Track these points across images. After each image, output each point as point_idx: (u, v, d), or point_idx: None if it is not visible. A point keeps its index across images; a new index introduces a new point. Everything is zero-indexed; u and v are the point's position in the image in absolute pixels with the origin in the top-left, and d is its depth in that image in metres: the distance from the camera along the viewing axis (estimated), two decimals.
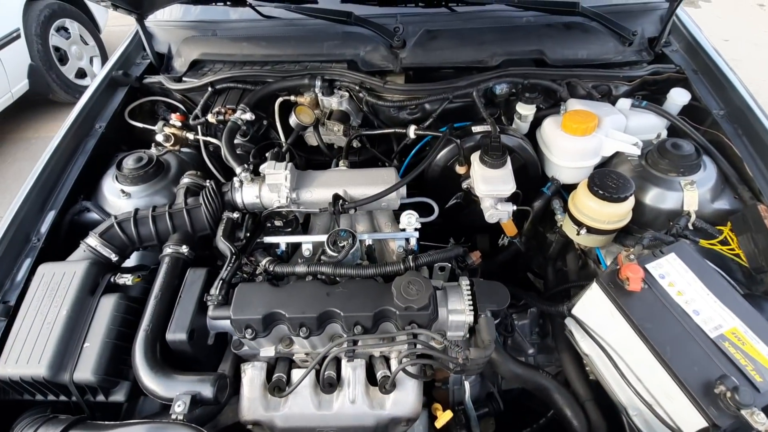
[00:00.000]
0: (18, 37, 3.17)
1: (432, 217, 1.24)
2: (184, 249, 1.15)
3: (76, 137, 1.40)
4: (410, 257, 1.08)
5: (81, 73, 3.70)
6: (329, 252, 1.10)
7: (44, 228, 1.22)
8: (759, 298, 1.02)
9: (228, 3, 1.62)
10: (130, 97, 1.57)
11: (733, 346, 0.88)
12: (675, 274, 0.99)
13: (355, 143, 1.50)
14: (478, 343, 1.02)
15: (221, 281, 1.07)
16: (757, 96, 3.81)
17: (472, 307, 1.03)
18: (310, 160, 1.54)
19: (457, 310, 1.04)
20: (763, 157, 1.16)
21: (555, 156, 1.31)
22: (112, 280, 1.11)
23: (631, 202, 1.11)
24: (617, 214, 1.11)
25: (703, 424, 0.82)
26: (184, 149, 1.49)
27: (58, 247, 1.22)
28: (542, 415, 1.24)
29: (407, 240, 1.22)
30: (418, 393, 1.08)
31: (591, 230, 1.16)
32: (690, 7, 5.03)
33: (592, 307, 1.07)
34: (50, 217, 1.24)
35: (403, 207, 1.24)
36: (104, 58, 3.88)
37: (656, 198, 1.19)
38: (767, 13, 4.81)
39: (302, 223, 1.42)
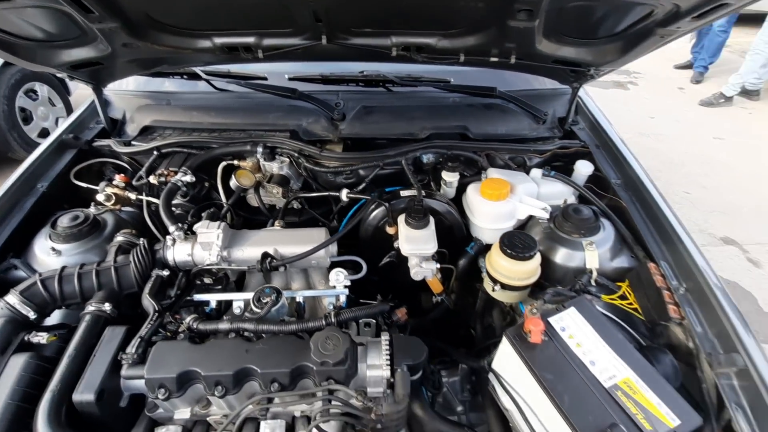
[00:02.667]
0: None
1: (360, 275, 1.29)
2: (107, 307, 1.15)
3: (14, 196, 1.42)
4: (332, 313, 1.12)
5: (44, 133, 3.76)
6: (254, 308, 1.12)
7: None
8: (656, 350, 1.09)
9: (184, 76, 1.77)
10: (78, 159, 1.62)
11: (625, 395, 0.94)
12: (574, 327, 1.06)
13: (296, 205, 1.59)
14: (394, 398, 1.03)
15: (139, 339, 1.06)
16: (680, 164, 4.24)
17: (389, 362, 1.05)
18: (251, 220, 1.61)
19: (375, 365, 1.06)
20: (653, 220, 1.31)
21: (476, 218, 1.43)
22: (26, 338, 1.09)
23: (536, 260, 1.21)
24: (525, 271, 1.21)
25: None
26: (127, 209, 1.53)
27: None
28: None
29: (337, 297, 1.27)
30: None
31: (504, 286, 1.24)
32: (620, 89, 5.72)
33: (506, 361, 1.11)
34: None
35: (337, 265, 1.30)
36: None
37: (563, 257, 1.31)
38: (686, 95, 5.50)
39: (237, 282, 1.45)
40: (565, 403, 0.93)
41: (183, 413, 1.08)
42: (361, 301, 1.33)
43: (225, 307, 1.29)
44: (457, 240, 1.48)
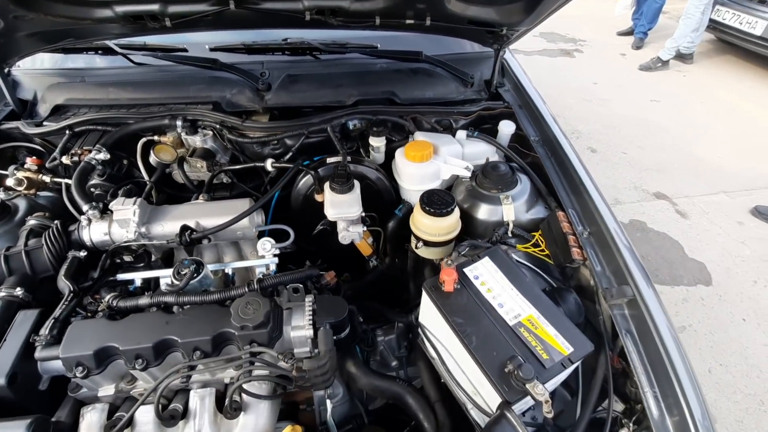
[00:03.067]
0: None
1: (288, 243, 1.31)
2: (18, 292, 1.11)
3: None
4: (255, 280, 1.13)
5: None
6: (174, 281, 1.12)
7: None
8: (563, 290, 1.18)
9: (99, 52, 1.67)
10: None
11: (527, 331, 1.01)
12: (487, 275, 1.13)
13: (226, 179, 1.56)
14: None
15: (53, 320, 1.04)
16: (619, 126, 4.43)
17: (311, 322, 1.09)
18: (178, 197, 1.57)
19: (299, 326, 1.10)
20: (564, 173, 1.39)
21: (403, 181, 1.46)
22: None
23: (454, 215, 1.26)
24: (444, 226, 1.26)
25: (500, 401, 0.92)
26: (45, 193, 1.47)
27: None
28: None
29: (267, 267, 1.28)
30: (267, 415, 1.09)
31: (427, 243, 1.29)
32: (566, 57, 5.86)
33: (427, 312, 1.17)
34: None
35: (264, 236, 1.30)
36: None
37: (484, 212, 1.36)
38: (628, 60, 5.72)
39: (167, 260, 1.42)
40: (472, 342, 0.99)
41: (107, 390, 1.08)
42: (290, 266, 1.35)
43: (154, 286, 1.28)
44: (387, 204, 1.51)
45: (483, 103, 1.68)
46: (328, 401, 1.25)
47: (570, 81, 5.19)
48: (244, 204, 1.31)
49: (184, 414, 1.08)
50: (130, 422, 1.05)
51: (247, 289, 1.11)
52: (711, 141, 4.08)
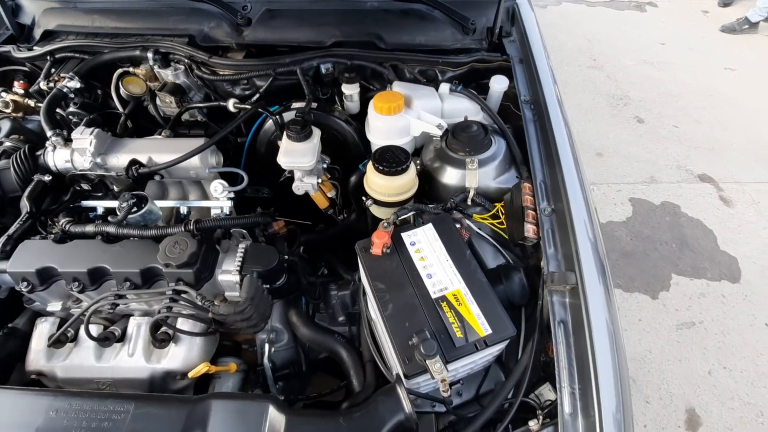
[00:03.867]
0: None
1: (240, 187, 1.29)
2: None
3: None
4: (192, 221, 1.13)
5: None
6: (118, 213, 1.15)
7: None
8: (510, 268, 1.09)
9: None
10: None
11: (449, 306, 0.95)
12: (425, 242, 1.06)
13: (200, 117, 1.55)
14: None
15: (7, 237, 1.11)
16: (678, 96, 3.94)
17: (239, 268, 1.08)
18: (154, 130, 1.58)
19: (227, 271, 1.10)
20: (545, 141, 1.23)
21: (371, 134, 1.37)
22: None
23: (407, 175, 1.18)
24: (396, 186, 1.18)
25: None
26: (34, 117, 1.53)
27: None
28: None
29: (222, 209, 1.28)
30: (198, 350, 1.13)
31: (378, 203, 1.22)
32: (636, 11, 5.15)
33: (362, 272, 1.13)
34: None
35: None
36: None
37: (450, 176, 1.26)
38: (709, 19, 4.93)
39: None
40: (387, 310, 0.95)
41: (55, 306, 1.16)
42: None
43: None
44: (354, 157, 1.44)
45: (478, 54, 1.51)
46: (266, 345, 1.28)
47: (633, 39, 4.58)
48: (198, 143, 1.29)
49: (124, 338, 1.15)
50: (76, 337, 1.14)
51: (183, 228, 1.12)
52: None
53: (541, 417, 0.90)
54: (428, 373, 0.85)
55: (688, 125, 3.46)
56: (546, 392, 1.00)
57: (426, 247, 1.05)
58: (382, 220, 1.35)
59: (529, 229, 1.07)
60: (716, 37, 4.61)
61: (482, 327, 0.91)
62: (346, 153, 1.44)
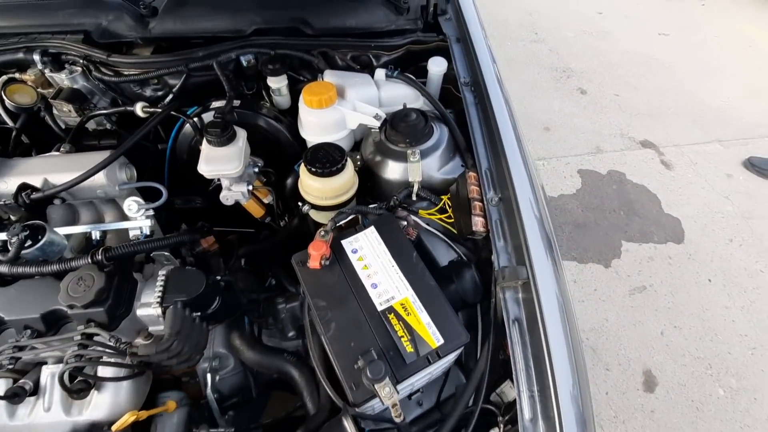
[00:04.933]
0: None
1: (159, 203, 1.14)
2: None
3: None
4: (101, 249, 0.98)
5: None
6: (9, 249, 0.98)
7: None
8: (462, 266, 1.02)
9: None
10: None
11: (397, 318, 0.87)
12: (368, 248, 0.97)
13: (109, 126, 1.36)
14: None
15: None
16: (617, 64, 4.04)
17: (159, 299, 0.95)
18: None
19: (146, 304, 0.97)
20: (488, 126, 1.17)
21: (304, 131, 1.25)
22: None
23: (345, 175, 1.08)
24: (333, 188, 1.08)
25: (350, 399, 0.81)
26: None
27: None
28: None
29: (141, 230, 1.13)
30: (125, 393, 1.00)
31: (316, 207, 1.12)
32: None
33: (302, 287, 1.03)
34: None
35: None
36: None
37: (392, 171, 1.17)
38: None
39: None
40: (330, 330, 0.86)
41: None
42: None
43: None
44: (289, 158, 1.32)
45: (413, 35, 1.41)
46: (208, 375, 1.17)
47: (573, 11, 4.64)
48: (106, 156, 1.13)
49: (37, 390, 1.00)
50: None
51: (89, 260, 0.97)
52: (718, 82, 3.68)
53: (502, 425, 0.85)
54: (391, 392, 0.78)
55: (628, 93, 3.56)
56: (508, 390, 0.96)
57: (369, 253, 0.96)
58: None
59: (478, 222, 1.01)
60: (650, 4, 4.76)
61: (433, 337, 0.84)
62: (280, 153, 1.31)
